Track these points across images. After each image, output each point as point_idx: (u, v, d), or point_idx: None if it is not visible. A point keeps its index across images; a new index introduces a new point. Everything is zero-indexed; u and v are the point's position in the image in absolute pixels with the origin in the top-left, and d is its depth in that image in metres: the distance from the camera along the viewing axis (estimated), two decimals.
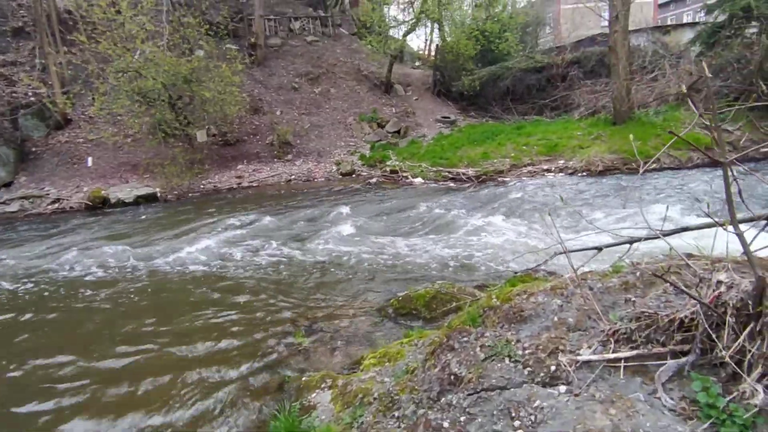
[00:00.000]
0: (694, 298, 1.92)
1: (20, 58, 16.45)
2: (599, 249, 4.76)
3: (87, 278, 6.48)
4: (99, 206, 12.69)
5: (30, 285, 6.33)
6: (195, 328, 4.69)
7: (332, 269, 6.15)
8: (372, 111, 17.85)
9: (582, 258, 5.08)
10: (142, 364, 4.04)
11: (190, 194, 13.39)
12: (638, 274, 2.60)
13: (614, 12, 12.41)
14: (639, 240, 4.45)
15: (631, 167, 10.97)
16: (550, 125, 15.03)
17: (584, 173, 11.08)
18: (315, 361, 3.89)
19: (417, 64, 26.82)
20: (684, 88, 11.65)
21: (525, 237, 6.71)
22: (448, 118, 18.41)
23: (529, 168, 11.95)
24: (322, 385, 3.17)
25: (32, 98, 15.29)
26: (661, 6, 43.64)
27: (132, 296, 5.75)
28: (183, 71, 13.31)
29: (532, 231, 6.91)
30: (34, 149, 14.90)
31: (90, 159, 14.93)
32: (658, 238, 4.60)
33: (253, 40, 18.66)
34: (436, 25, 20.49)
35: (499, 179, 11.67)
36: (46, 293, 6.00)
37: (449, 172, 12.34)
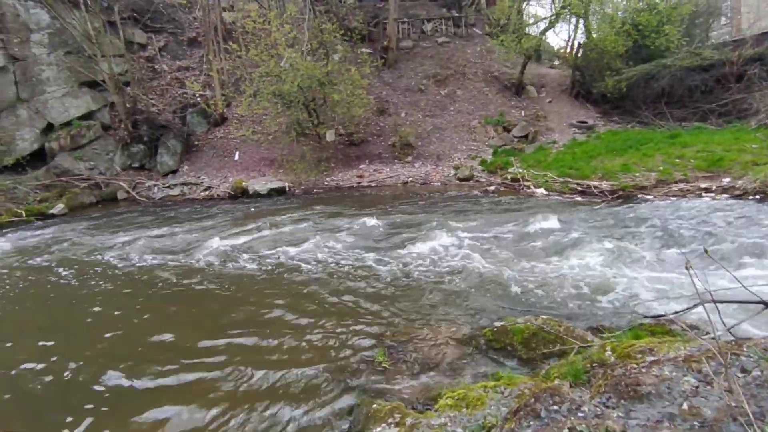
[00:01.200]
0: None
1: (192, 63, 19.32)
2: (765, 305, 3.68)
3: (164, 264, 7.22)
4: (239, 195, 14.24)
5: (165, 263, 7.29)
6: (279, 326, 4.84)
7: (426, 284, 5.86)
8: (499, 114, 16.99)
9: (739, 312, 4.02)
10: (218, 364, 4.27)
11: (315, 189, 14.27)
12: None
13: None
14: None
15: None
16: (714, 134, 12.57)
17: (758, 196, 8.95)
18: (391, 387, 3.67)
19: (555, 63, 24.83)
20: None
21: (664, 274, 5.58)
22: (585, 123, 16.62)
23: (681, 185, 10.08)
24: (389, 420, 2.93)
25: (198, 99, 17.82)
26: None
27: (229, 286, 6.22)
28: (318, 75, 14.20)
29: (674, 268, 5.72)
30: (196, 143, 17.35)
31: (237, 153, 16.87)
32: None
33: (386, 43, 19.15)
34: (581, 21, 18.60)
35: (640, 196, 10.07)
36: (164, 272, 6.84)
37: (578, 184, 11.06)
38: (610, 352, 3.28)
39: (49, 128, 15.66)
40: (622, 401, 2.29)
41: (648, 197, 9.97)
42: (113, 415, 3.57)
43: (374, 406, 3.24)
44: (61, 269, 7.49)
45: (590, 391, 2.77)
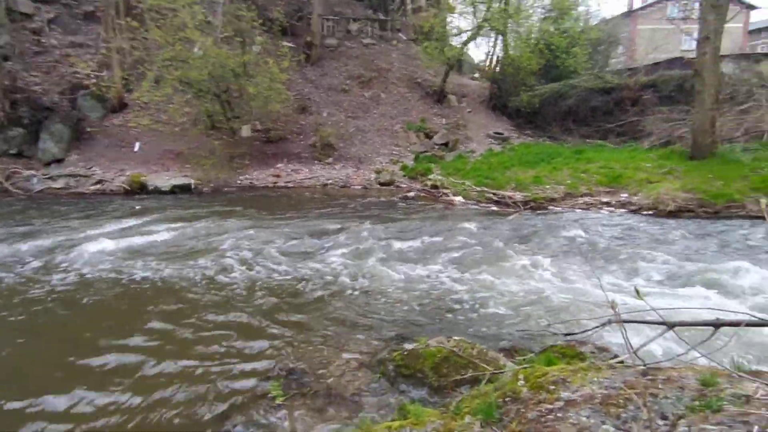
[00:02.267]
0: None
1: (87, 40, 17.07)
2: (670, 327, 3.69)
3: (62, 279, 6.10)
4: (137, 191, 12.71)
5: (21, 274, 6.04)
6: (151, 350, 4.06)
7: (336, 299, 5.38)
8: (421, 120, 17.05)
9: (646, 332, 4.02)
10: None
11: (225, 188, 13.17)
12: (756, 431, 1.62)
13: (705, 31, 10.89)
14: (730, 324, 3.37)
15: (709, 211, 9.44)
16: (614, 152, 13.58)
17: (650, 212, 9.67)
18: (286, 426, 3.12)
19: (476, 75, 25.74)
20: None
21: (575, 287, 5.62)
22: (501, 134, 17.26)
23: (586, 199, 10.65)
24: None
25: (93, 80, 15.75)
26: (750, 33, 39.82)
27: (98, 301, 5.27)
28: (232, 64, 13.15)
29: (585, 281, 5.81)
30: (89, 130, 15.29)
31: (138, 144, 15.13)
32: (758, 325, 3.45)
33: (309, 39, 18.42)
34: (500, 37, 19.36)
35: (550, 208, 10.47)
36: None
37: (494, 194, 11.27)
38: (522, 382, 3.02)
39: None
40: None
41: (557, 209, 10.39)
42: None
43: None
44: None
45: None
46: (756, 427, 1.62)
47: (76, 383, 3.58)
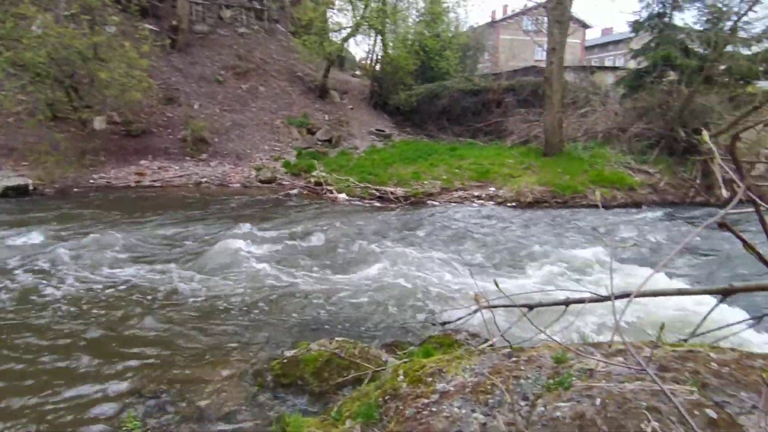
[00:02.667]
0: None
1: None
2: (529, 308, 4.05)
3: None
4: None
5: None
6: None
7: (208, 309, 4.93)
8: (302, 115, 16.67)
9: (511, 315, 4.37)
10: None
11: (75, 189, 11.36)
12: (599, 403, 1.79)
13: (552, 43, 12.40)
14: (576, 302, 3.79)
15: (560, 201, 10.81)
16: (483, 150, 14.80)
17: (514, 203, 10.74)
18: None
19: (357, 72, 26.05)
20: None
21: (451, 277, 5.93)
22: (383, 131, 17.71)
23: (460, 193, 11.43)
24: None
25: None
26: (586, 48, 46.94)
27: None
28: (80, 46, 11.34)
29: (459, 270, 6.16)
30: None
31: None
32: (605, 300, 3.92)
33: (174, 22, 16.76)
34: (379, 36, 19.79)
35: (429, 202, 11.01)
36: None
37: (377, 189, 11.49)
38: (402, 377, 3.04)
39: None
40: None
41: (435, 203, 10.97)
42: None
43: None
44: None
45: None
46: (598, 400, 1.79)
47: None
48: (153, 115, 14.35)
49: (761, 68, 12.44)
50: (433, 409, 2.21)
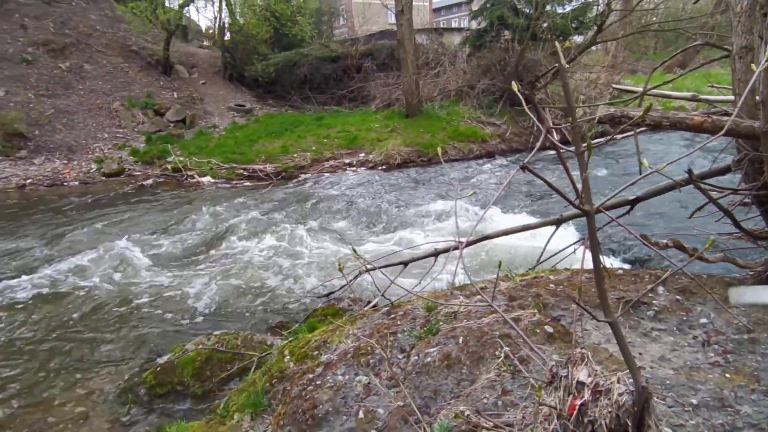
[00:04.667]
0: (550, 407, 1.28)
1: None
2: (405, 264, 4.27)
3: None
4: None
5: None
6: None
7: (60, 327, 4.26)
8: (146, 95, 14.78)
9: (391, 274, 4.56)
10: None
11: None
12: (461, 341, 1.95)
13: (399, 6, 12.71)
14: (444, 252, 4.08)
15: (425, 159, 11.44)
16: (349, 117, 14.84)
17: (384, 167, 11.08)
18: None
19: (204, 43, 23.79)
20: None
21: (331, 246, 5.95)
22: (243, 106, 16.63)
23: (332, 162, 11.40)
24: None
25: None
26: (435, 11, 49.41)
27: None
28: None
29: (340, 238, 6.20)
30: None
31: None
32: (470, 245, 4.27)
33: None
34: (223, 1, 18.14)
35: (301, 176, 10.80)
36: None
37: (245, 169, 10.87)
38: (289, 357, 3.00)
39: None
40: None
41: (307, 176, 10.79)
42: None
43: None
44: None
45: (272, 421, 2.37)
46: (461, 338, 1.96)
47: None
48: None
49: (573, 25, 14.38)
50: (318, 382, 2.21)
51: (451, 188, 8.63)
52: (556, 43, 1.56)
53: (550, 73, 12.22)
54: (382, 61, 17.60)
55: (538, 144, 1.11)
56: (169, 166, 11.33)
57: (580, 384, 1.26)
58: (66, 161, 11.59)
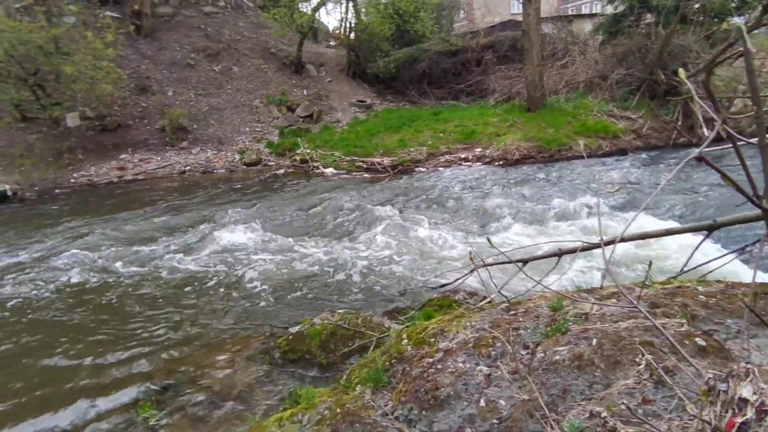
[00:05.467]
0: (704, 422, 1.18)
1: None
2: (524, 262, 4.14)
3: None
4: None
5: None
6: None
7: (209, 294, 4.97)
8: (281, 93, 16.31)
9: (507, 271, 4.47)
10: None
11: (56, 190, 11.12)
12: (594, 343, 1.86)
13: None
14: (569, 252, 3.88)
15: (546, 156, 10.85)
16: (466, 111, 14.67)
17: (501, 162, 10.76)
18: None
19: (331, 43, 25.38)
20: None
21: (446, 240, 6.01)
22: (364, 102, 17.42)
23: (447, 157, 11.41)
24: None
25: None
26: None
27: None
28: (39, 40, 10.88)
29: (454, 232, 6.23)
30: None
31: None
32: (595, 247, 3.99)
33: (136, 7, 16.06)
34: (350, 2, 19.17)
35: (417, 169, 11.00)
36: None
37: (363, 161, 11.42)
38: (406, 340, 3.13)
39: None
40: (424, 412, 2.05)
41: (422, 169, 10.96)
42: None
43: None
44: None
45: (392, 396, 2.51)
46: (594, 340, 1.87)
47: None
48: (127, 107, 13.96)
49: (733, 4, 12.33)
50: (439, 367, 2.29)
51: (577, 185, 8.07)
52: (741, 25, 1.39)
53: (723, 57, 10.59)
54: (503, 53, 17.04)
55: (711, 135, 1.00)
56: (297, 158, 12.39)
57: (743, 401, 1.14)
58: (216, 152, 13.36)
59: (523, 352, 2.15)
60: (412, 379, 2.35)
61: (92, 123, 13.13)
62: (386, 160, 11.33)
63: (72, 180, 11.57)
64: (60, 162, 11.65)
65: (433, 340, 2.91)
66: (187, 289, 5.11)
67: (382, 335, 3.53)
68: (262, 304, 4.72)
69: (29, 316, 4.63)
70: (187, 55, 16.20)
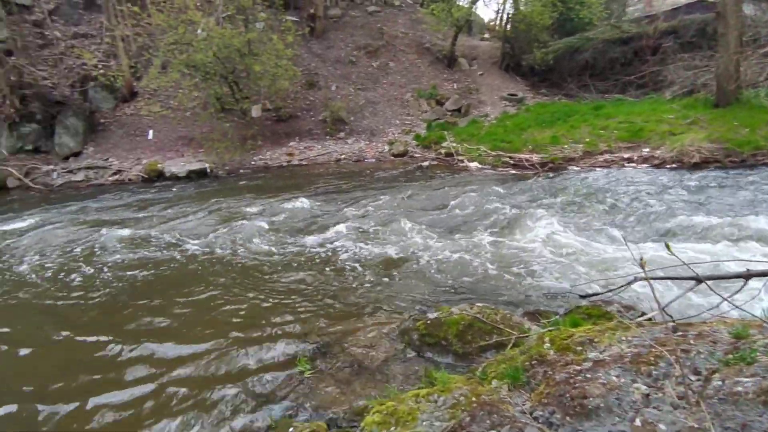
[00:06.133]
0: None
1: (92, 30, 17.01)
2: (698, 281, 3.60)
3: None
4: (155, 179, 12.86)
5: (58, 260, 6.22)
6: (183, 327, 4.19)
7: (357, 272, 5.41)
8: (431, 86, 16.66)
9: (674, 288, 3.96)
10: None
11: (240, 170, 13.22)
12: None
13: None
14: (761, 275, 3.27)
15: (735, 160, 9.09)
16: (634, 106, 13.08)
17: (674, 165, 9.36)
18: (313, 401, 3.20)
19: (486, 35, 24.88)
20: None
21: (598, 246, 5.53)
22: (516, 95, 16.76)
23: (606, 156, 10.36)
24: None
25: (101, 70, 15.76)
26: None
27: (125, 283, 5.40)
28: (237, 44, 12.96)
29: (608, 239, 5.70)
30: (102, 121, 15.45)
31: (151, 132, 15.22)
32: None
33: (312, 11, 17.98)
34: None
35: (569, 168, 10.23)
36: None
37: (510, 157, 11.05)
38: (548, 344, 3.01)
39: None
40: (568, 418, 1.97)
41: (576, 168, 10.15)
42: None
43: (291, 429, 2.76)
44: None
45: (531, 396, 2.46)
46: None
47: (134, 341, 3.74)
48: (298, 100, 15.81)
49: None
50: (587, 376, 2.17)
51: None
52: None
53: None
54: (687, 39, 14.67)
55: None
56: (443, 151, 12.57)
57: None
58: (368, 142, 14.32)
59: (693, 377, 1.92)
60: (555, 383, 2.27)
61: (270, 114, 15.21)
62: (535, 157, 10.78)
63: (252, 162, 13.61)
64: (245, 147, 13.78)
65: (580, 348, 2.75)
66: (332, 265, 5.65)
67: (521, 335, 3.45)
68: (401, 286, 4.98)
69: (215, 268, 5.67)
70: (350, 53, 17.58)
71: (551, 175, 9.87)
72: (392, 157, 13.28)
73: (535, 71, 17.73)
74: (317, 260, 5.83)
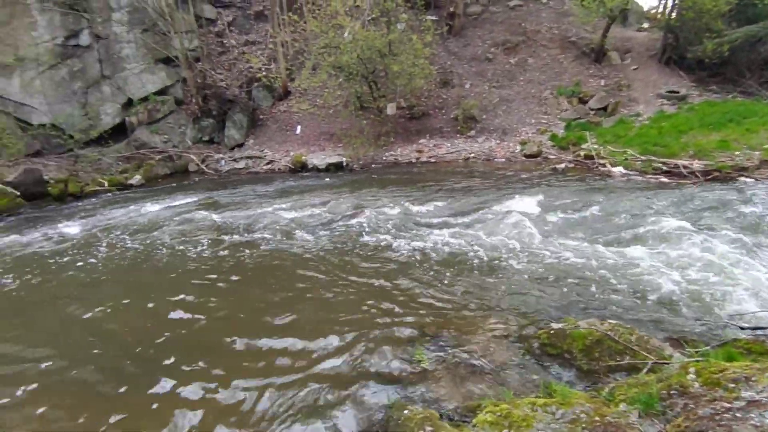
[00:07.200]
0: None
1: (258, 38, 19.53)
2: None
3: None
4: (299, 169, 14.36)
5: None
6: (315, 309, 4.68)
7: (480, 271, 5.41)
8: (574, 83, 15.51)
9: None
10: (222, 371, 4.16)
11: (372, 165, 14.01)
12: None
13: None
14: None
15: None
16: None
17: None
18: (428, 391, 3.36)
19: (644, 25, 22.17)
20: None
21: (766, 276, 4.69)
22: (677, 92, 14.69)
23: None
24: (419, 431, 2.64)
25: (264, 73, 18.05)
26: None
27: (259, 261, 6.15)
28: (378, 45, 13.70)
29: None
30: (261, 117, 17.69)
31: (299, 127, 16.98)
32: None
33: (452, 9, 18.07)
34: None
35: (740, 179, 8.71)
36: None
37: (664, 163, 9.78)
38: (693, 376, 2.72)
39: (129, 103, 16.66)
40: None
41: (748, 180, 8.60)
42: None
43: (405, 412, 2.96)
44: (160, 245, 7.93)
45: (666, 427, 2.28)
46: None
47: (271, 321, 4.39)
48: (431, 98, 16.10)
49: None
50: (738, 415, 1.95)
51: None
52: None
53: None
54: None
55: None
56: (581, 153, 11.67)
57: None
58: (499, 141, 13.98)
59: None
60: (698, 418, 2.07)
61: (404, 112, 15.77)
62: (696, 164, 9.39)
63: (383, 158, 14.31)
64: (378, 143, 14.54)
65: (732, 385, 2.45)
66: (454, 266, 5.73)
67: (660, 361, 3.16)
68: (523, 292, 4.86)
69: (319, 254, 6.18)
70: (487, 50, 17.26)
71: (714, 185, 8.53)
72: (524, 158, 12.77)
73: (704, 65, 15.28)
74: (443, 257, 5.98)
